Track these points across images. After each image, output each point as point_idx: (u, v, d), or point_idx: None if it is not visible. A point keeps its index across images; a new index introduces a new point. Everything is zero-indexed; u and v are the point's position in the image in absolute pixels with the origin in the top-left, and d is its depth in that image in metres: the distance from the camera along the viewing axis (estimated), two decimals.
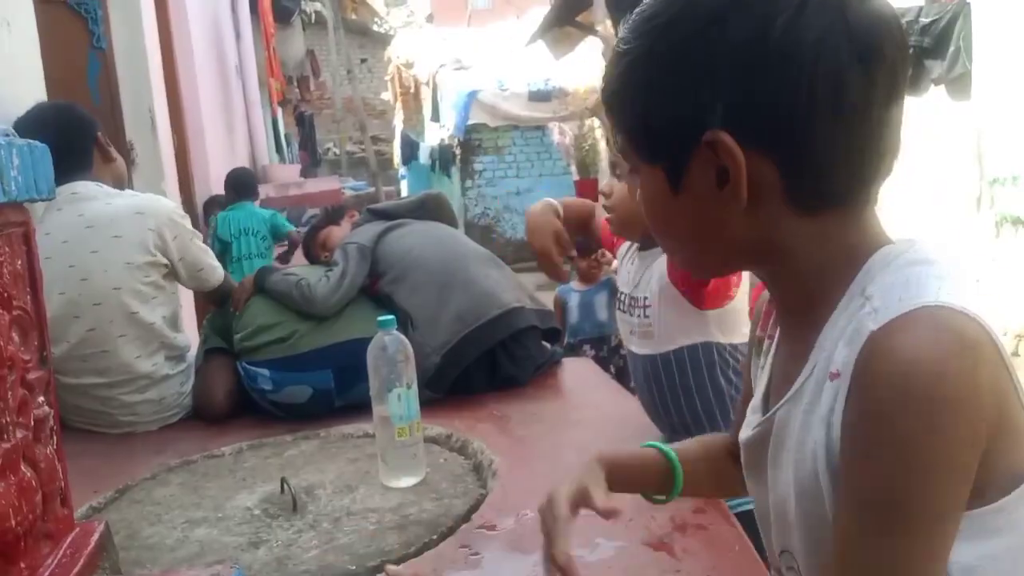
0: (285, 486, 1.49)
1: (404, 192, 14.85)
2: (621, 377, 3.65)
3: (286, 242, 5.19)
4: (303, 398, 1.97)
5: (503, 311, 2.09)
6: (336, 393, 1.97)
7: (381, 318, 1.58)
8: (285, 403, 1.98)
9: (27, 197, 0.87)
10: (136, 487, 1.67)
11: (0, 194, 0.82)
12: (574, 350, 3.62)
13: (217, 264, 2.23)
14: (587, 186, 10.32)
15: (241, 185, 5.21)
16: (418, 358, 1.92)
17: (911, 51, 4.32)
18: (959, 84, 4.15)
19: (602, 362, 3.60)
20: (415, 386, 1.56)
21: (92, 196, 2.01)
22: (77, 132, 2.06)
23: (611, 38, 8.17)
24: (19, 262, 0.90)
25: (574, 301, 3.79)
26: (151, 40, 3.74)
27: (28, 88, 2.36)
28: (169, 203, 2.18)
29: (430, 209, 2.43)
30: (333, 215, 2.60)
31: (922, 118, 4.49)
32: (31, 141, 0.90)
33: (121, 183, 2.18)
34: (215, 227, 5.04)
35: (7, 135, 0.90)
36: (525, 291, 2.26)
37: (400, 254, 2.18)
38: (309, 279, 2.10)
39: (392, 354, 1.54)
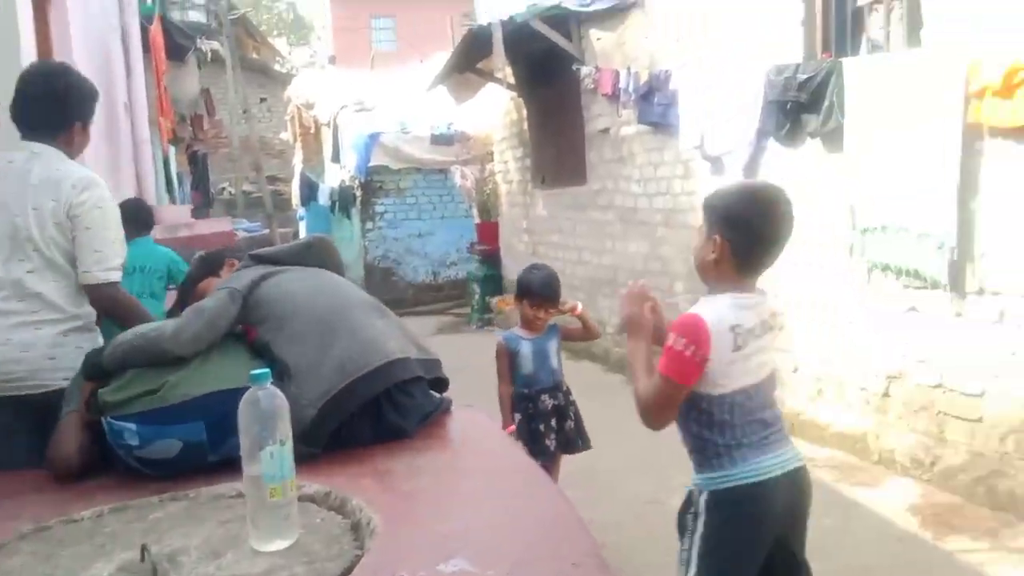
0: (145, 553, 1.40)
1: (302, 233, 14.59)
2: (579, 424, 3.64)
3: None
4: (172, 453, 1.86)
5: (387, 361, 2.04)
6: (209, 447, 1.87)
7: (254, 372, 1.52)
8: (153, 459, 1.87)
9: None
10: None
11: None
12: (531, 400, 3.49)
13: (117, 266, 2.41)
14: (488, 229, 10.39)
15: (137, 218, 4.87)
16: (295, 410, 1.84)
17: (788, 106, 4.56)
18: (832, 137, 4.40)
19: (559, 411, 3.56)
20: (289, 443, 1.50)
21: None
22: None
23: (510, 85, 8.33)
24: None
25: (527, 349, 3.49)
26: None
27: None
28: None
29: (316, 254, 2.37)
30: (211, 264, 2.49)
31: (800, 169, 4.74)
32: None
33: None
34: None
35: None
36: (412, 340, 2.22)
37: (280, 301, 2.11)
38: (160, 323, 2.03)
39: (265, 410, 1.48)
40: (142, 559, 1.40)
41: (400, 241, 12.15)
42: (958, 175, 3.68)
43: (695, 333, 1.98)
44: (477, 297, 10.09)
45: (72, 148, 2.56)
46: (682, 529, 2.16)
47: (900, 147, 3.94)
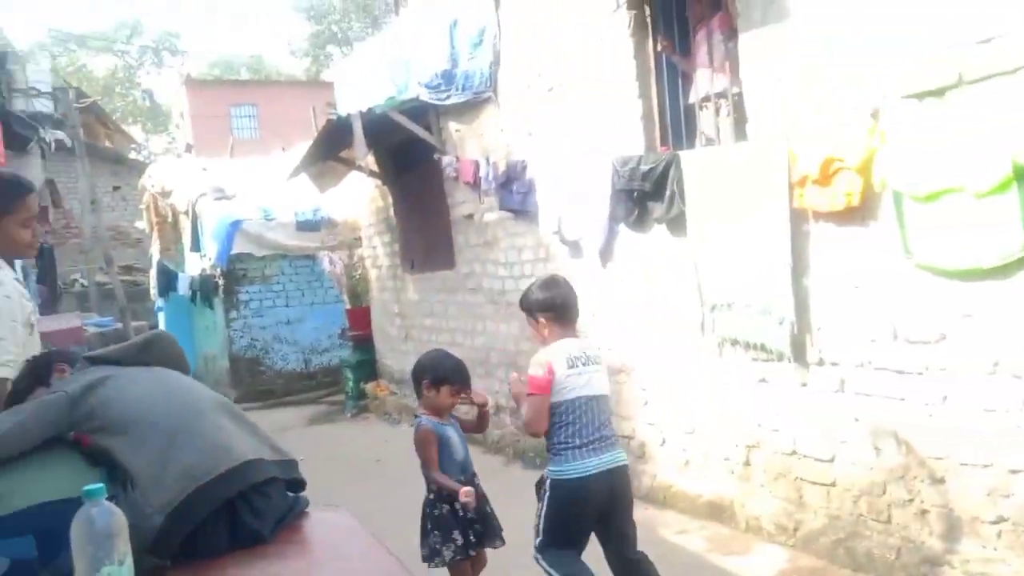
0: None
1: (161, 325, 13.91)
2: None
3: None
4: (1, 571, 1.71)
5: (237, 464, 1.97)
6: (40, 563, 1.74)
7: (87, 487, 1.44)
8: None
9: None
10: None
11: None
12: (470, 486, 3.34)
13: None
14: (359, 314, 10.27)
15: None
16: (140, 520, 1.75)
17: (635, 194, 4.83)
18: (676, 222, 4.68)
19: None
20: (129, 561, 1.42)
21: None
22: None
23: (373, 172, 8.40)
24: None
25: (454, 434, 3.42)
26: None
27: None
28: None
29: (157, 352, 2.27)
30: (39, 372, 2.32)
31: (651, 252, 5.01)
32: None
33: None
34: None
35: None
36: (266, 440, 2.16)
37: (119, 406, 2.00)
38: None
39: (100, 528, 1.41)
40: None
41: (267, 329, 11.78)
42: (790, 255, 4.00)
43: (542, 362, 3.20)
44: (351, 384, 9.88)
45: None
46: (539, 497, 3.30)
47: (737, 230, 4.24)
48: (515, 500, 5.40)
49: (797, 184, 3.88)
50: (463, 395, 3.45)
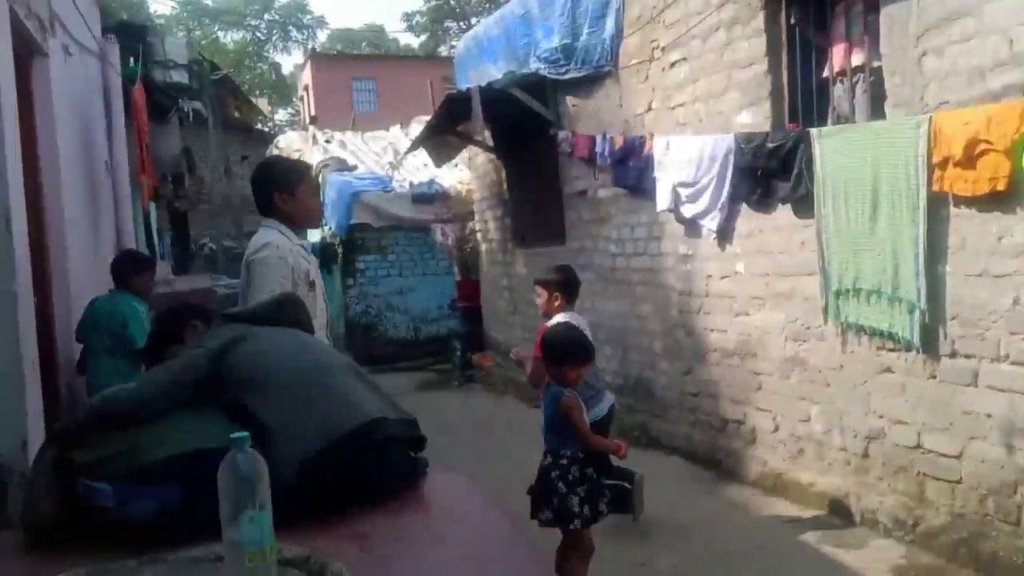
0: None
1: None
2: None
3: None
4: (148, 515, 1.84)
5: (365, 422, 2.05)
6: (185, 509, 1.86)
7: (234, 435, 1.52)
8: (129, 522, 1.85)
9: None
10: None
11: None
12: (598, 458, 3.53)
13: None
14: (469, 286, 10.45)
15: (114, 271, 4.95)
16: (274, 473, 1.85)
17: (759, 172, 4.68)
18: (803, 203, 4.52)
19: None
20: (269, 507, 1.50)
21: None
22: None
23: (489, 147, 8.49)
24: None
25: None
26: (10, 139, 3.59)
27: None
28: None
29: (288, 314, 2.37)
30: (174, 328, 2.46)
31: (773, 232, 4.85)
32: None
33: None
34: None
35: None
36: (389, 401, 2.23)
37: (256, 362, 2.10)
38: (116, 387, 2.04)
39: (244, 474, 1.49)
40: None
41: (381, 297, 12.16)
42: (924, 240, 3.79)
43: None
44: (458, 354, 10.08)
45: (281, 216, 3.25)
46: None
47: (868, 212, 4.05)
48: None
49: (937, 166, 3.67)
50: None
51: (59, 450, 2.02)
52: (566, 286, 4.32)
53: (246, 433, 1.54)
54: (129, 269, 4.97)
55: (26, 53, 4.65)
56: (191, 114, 10.53)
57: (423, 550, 1.82)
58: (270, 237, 3.17)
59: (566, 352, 3.47)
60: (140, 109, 7.59)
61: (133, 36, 8.99)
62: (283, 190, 3.25)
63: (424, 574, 1.68)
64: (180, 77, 11.22)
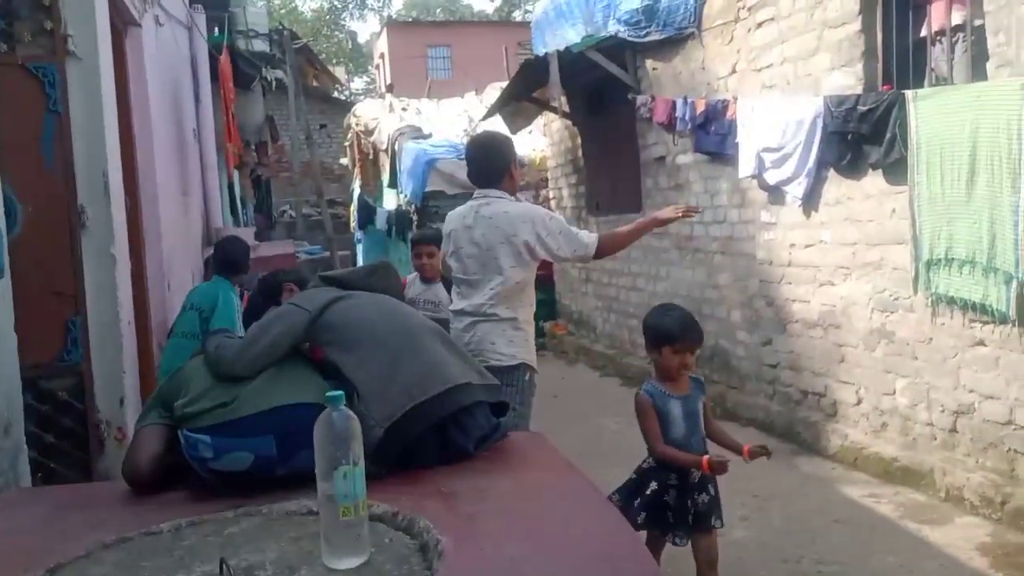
0: (224, 567, 1.45)
1: (359, 256, 14.83)
2: (717, 496, 3.01)
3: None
4: (244, 465, 1.92)
5: (451, 386, 2.09)
6: (278, 461, 1.93)
7: (330, 393, 1.57)
8: (226, 471, 1.94)
9: None
10: (69, 565, 1.61)
11: None
12: (678, 472, 2.93)
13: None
14: None
15: (217, 261, 4.74)
16: (363, 430, 1.91)
17: (849, 137, 4.51)
18: (895, 168, 4.34)
19: (702, 483, 2.97)
20: (361, 464, 1.55)
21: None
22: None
23: (565, 113, 8.40)
24: None
25: (676, 410, 2.96)
26: (108, 104, 3.74)
27: None
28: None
29: (380, 279, 2.45)
30: (270, 292, 2.59)
31: (862, 199, 4.69)
32: None
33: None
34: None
35: None
36: (473, 366, 2.27)
37: (348, 324, 2.18)
38: (229, 339, 2.14)
39: (340, 431, 1.54)
40: (221, 572, 1.46)
41: None
42: None
43: None
44: None
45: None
46: None
47: (965, 179, 3.87)
48: None
49: None
50: (692, 355, 2.95)
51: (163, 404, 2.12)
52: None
53: (341, 392, 1.59)
54: (244, 262, 4.78)
55: (120, 24, 4.81)
56: (273, 83, 10.75)
57: (509, 509, 1.85)
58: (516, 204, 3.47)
59: (666, 333, 2.93)
60: (227, 78, 7.79)
61: (217, 5, 9.20)
62: (512, 164, 3.51)
63: (508, 532, 1.71)
64: (261, 46, 11.44)
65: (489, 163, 3.47)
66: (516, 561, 1.53)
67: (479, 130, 12.11)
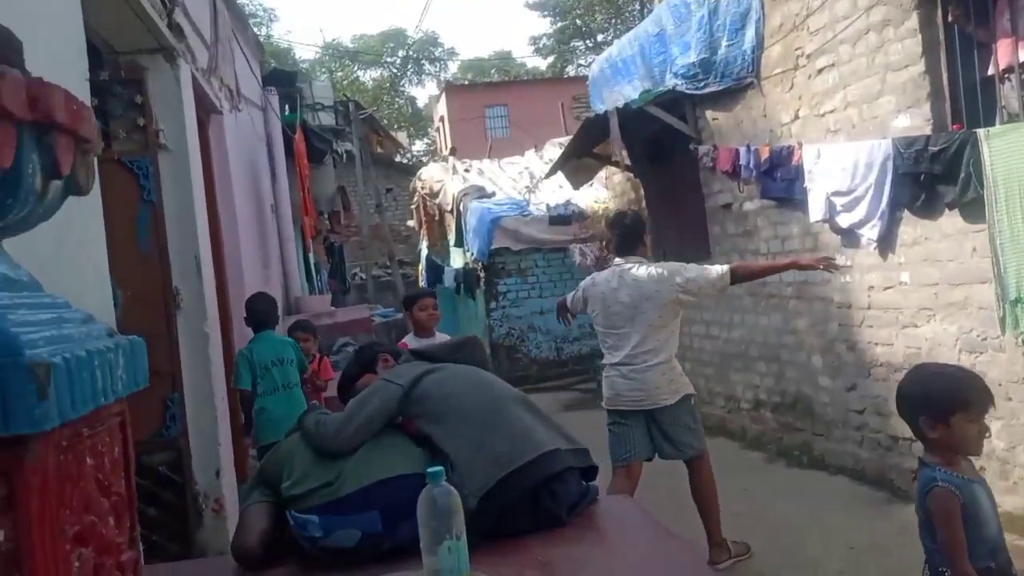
0: None
1: None
2: None
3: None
4: (352, 541, 1.98)
5: (540, 454, 2.12)
6: (384, 534, 1.98)
7: (431, 469, 1.63)
8: (335, 547, 2.00)
9: (128, 392, 0.96)
10: None
11: (110, 395, 0.90)
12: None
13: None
14: None
15: (262, 314, 4.94)
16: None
17: (922, 177, 4.45)
18: (972, 207, 4.26)
19: None
20: (464, 537, 1.60)
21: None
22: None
23: (627, 167, 8.49)
24: (116, 449, 0.97)
25: (983, 498, 2.24)
26: (197, 191, 3.96)
27: (92, 244, 2.52)
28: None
29: (467, 353, 2.53)
30: (366, 362, 2.68)
31: (940, 240, 4.60)
32: (132, 338, 0.99)
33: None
34: (249, 358, 4.81)
35: (111, 335, 0.99)
36: (561, 431, 2.30)
37: (439, 397, 2.25)
38: (327, 416, 2.22)
39: (442, 507, 1.59)
40: None
41: (523, 319, 12.34)
42: None
43: None
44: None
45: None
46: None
47: None
48: (785, 499, 5.25)
49: None
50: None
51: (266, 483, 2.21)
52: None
53: (441, 468, 1.65)
54: (274, 313, 5.14)
55: (204, 113, 5.11)
56: (344, 155, 11.16)
57: None
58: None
59: (959, 398, 2.21)
60: (301, 154, 8.13)
61: (285, 83, 9.66)
62: (644, 233, 4.40)
63: None
64: (327, 118, 11.93)
65: (630, 234, 4.29)
66: None
67: (541, 187, 12.34)
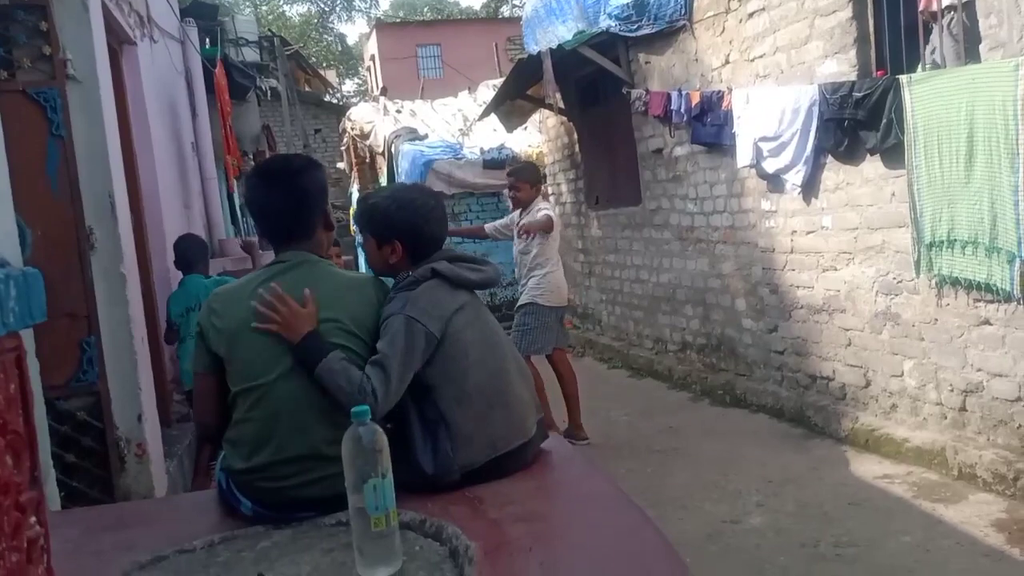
0: None
1: (361, 259, 14.84)
2: None
3: None
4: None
5: (525, 441, 2.12)
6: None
7: (355, 408, 1.61)
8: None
9: (22, 325, 0.90)
10: None
11: (0, 327, 0.84)
12: None
13: None
14: None
15: (187, 258, 4.77)
16: (443, 471, 1.97)
17: (845, 123, 4.54)
18: (892, 153, 4.37)
19: None
20: (390, 476, 1.58)
21: None
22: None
23: (560, 109, 8.43)
24: (12, 386, 0.92)
25: None
26: (110, 126, 3.77)
27: None
28: None
29: (489, 275, 2.28)
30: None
31: (861, 185, 4.72)
32: (25, 269, 0.93)
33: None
34: (168, 308, 4.68)
35: (3, 264, 0.93)
36: (534, 399, 2.25)
37: (459, 352, 2.08)
38: (373, 381, 1.92)
39: (367, 445, 1.57)
40: None
41: None
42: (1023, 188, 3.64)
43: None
44: None
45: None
46: None
47: (964, 161, 3.90)
48: (708, 436, 5.43)
49: None
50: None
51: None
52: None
53: (366, 407, 1.63)
54: (203, 256, 4.95)
55: (116, 43, 4.84)
56: (268, 92, 10.75)
57: (535, 513, 1.89)
58: None
59: None
60: (223, 90, 7.80)
61: (206, 16, 9.21)
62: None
63: (535, 536, 1.74)
64: (252, 54, 11.45)
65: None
66: (546, 566, 1.56)
67: (475, 129, 12.15)
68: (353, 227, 15.58)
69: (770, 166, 5.33)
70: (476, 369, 2.07)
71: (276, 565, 1.64)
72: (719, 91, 5.78)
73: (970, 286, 4.07)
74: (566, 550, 1.64)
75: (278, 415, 1.91)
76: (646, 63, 6.92)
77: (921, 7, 4.27)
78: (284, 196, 2.10)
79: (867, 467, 4.55)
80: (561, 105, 8.39)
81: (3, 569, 0.83)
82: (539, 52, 7.16)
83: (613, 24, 6.85)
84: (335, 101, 25.79)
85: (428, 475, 1.98)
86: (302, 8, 41.67)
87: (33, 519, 0.92)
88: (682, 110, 6.14)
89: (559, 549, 1.65)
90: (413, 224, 2.19)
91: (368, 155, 13.81)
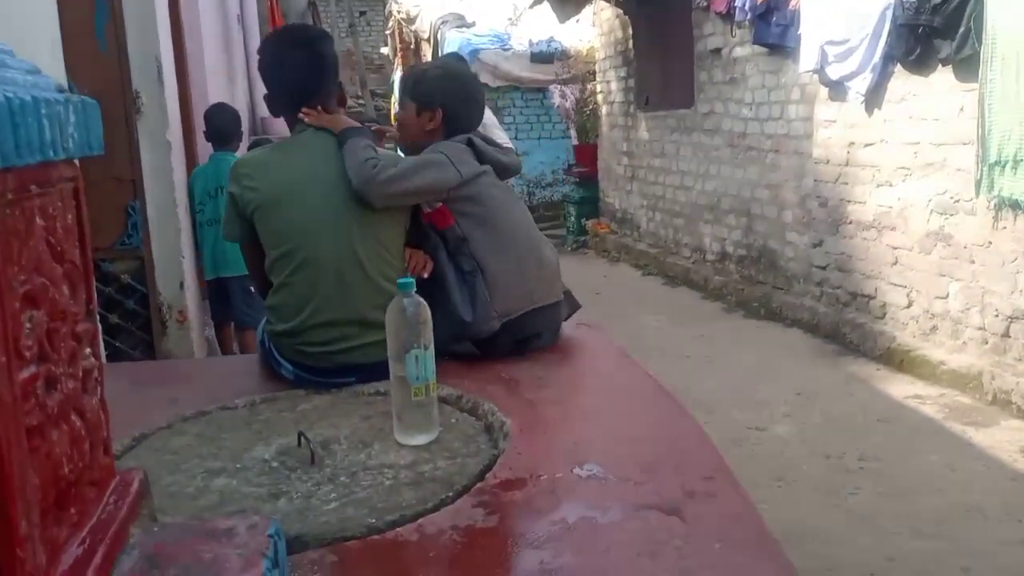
0: (303, 439, 1.52)
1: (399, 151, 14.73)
2: None
3: None
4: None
5: (558, 300, 2.18)
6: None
7: (402, 280, 1.61)
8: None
9: (81, 154, 0.89)
10: (153, 436, 1.70)
11: (60, 151, 0.83)
12: None
13: None
14: (586, 151, 10.27)
15: (223, 131, 4.33)
16: (482, 316, 2.00)
17: (920, 30, 4.30)
18: (966, 65, 4.14)
19: None
20: (432, 348, 1.59)
21: None
22: None
23: (616, 1, 8.09)
24: (70, 216, 0.92)
25: None
26: None
27: (44, 36, 2.35)
28: None
29: (513, 163, 2.34)
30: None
31: (929, 97, 4.51)
32: (84, 98, 0.91)
33: None
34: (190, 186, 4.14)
35: (62, 90, 0.91)
36: (559, 275, 2.29)
37: (492, 205, 2.12)
38: (380, 162, 1.93)
39: (411, 316, 1.57)
40: (299, 444, 1.53)
41: None
42: None
43: None
44: (572, 219, 10.07)
45: None
46: None
47: None
48: (740, 347, 5.42)
49: None
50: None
51: None
52: None
53: (412, 280, 1.62)
54: (236, 129, 4.51)
55: None
56: None
57: (569, 397, 1.90)
58: None
59: None
60: None
61: None
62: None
63: (569, 417, 1.77)
64: None
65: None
66: (581, 445, 1.58)
67: (524, 19, 11.76)
68: (395, 113, 15.37)
69: (834, 72, 5.09)
70: (509, 223, 2.13)
71: (315, 427, 1.67)
72: None
73: None
74: (599, 433, 1.65)
75: (322, 277, 1.92)
76: None
77: None
78: (306, 59, 2.08)
79: (900, 387, 4.53)
80: None
81: (61, 394, 0.84)
82: None
83: None
84: None
85: (468, 323, 2.02)
86: None
87: (88, 351, 0.93)
88: (746, 7, 5.85)
89: (592, 431, 1.66)
90: (458, 96, 2.23)
91: (413, 41, 13.51)
